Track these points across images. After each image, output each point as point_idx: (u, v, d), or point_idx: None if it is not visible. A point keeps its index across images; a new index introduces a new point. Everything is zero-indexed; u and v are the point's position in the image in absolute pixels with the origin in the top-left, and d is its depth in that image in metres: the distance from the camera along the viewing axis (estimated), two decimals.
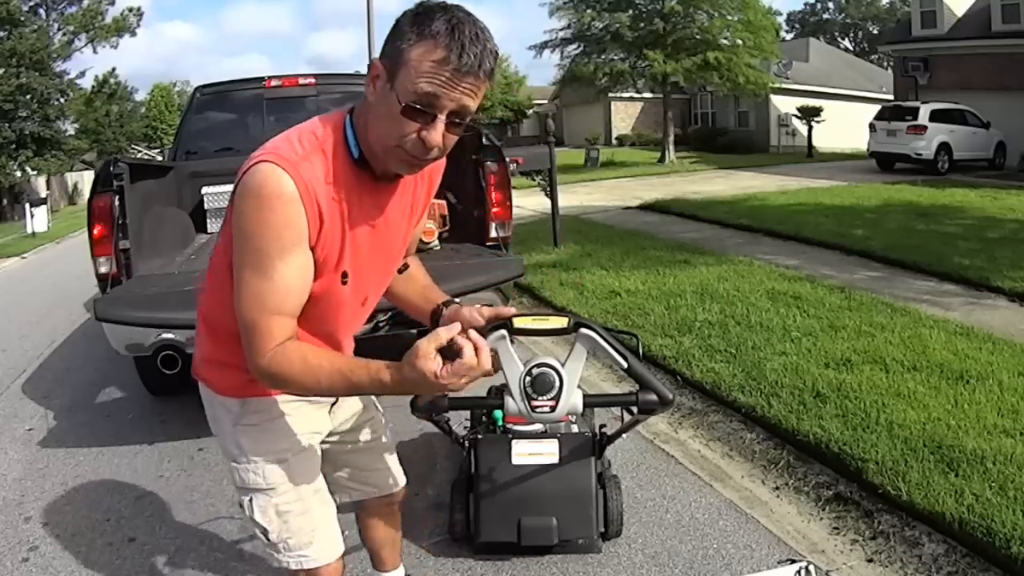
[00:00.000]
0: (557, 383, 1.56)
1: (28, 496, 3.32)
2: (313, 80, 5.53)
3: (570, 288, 6.38)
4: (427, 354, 1.17)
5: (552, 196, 8.50)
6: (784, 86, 26.96)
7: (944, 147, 16.61)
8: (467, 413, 3.04)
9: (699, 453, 3.43)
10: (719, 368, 4.19)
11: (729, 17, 22.15)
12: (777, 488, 3.08)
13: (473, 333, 1.24)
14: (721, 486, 3.09)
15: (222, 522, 2.92)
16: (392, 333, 3.38)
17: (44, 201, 18.96)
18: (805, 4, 63.36)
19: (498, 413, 2.69)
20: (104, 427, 4.09)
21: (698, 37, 22.31)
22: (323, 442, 1.66)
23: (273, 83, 5.49)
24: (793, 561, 1.39)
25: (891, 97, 22.78)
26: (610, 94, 26.71)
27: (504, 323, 1.54)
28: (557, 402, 1.57)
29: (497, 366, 1.54)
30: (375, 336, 3.38)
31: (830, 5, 62.01)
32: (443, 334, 1.19)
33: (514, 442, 2.48)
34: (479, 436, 2.56)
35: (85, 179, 31.05)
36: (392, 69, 1.22)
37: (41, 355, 5.74)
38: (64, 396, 4.69)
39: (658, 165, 22.53)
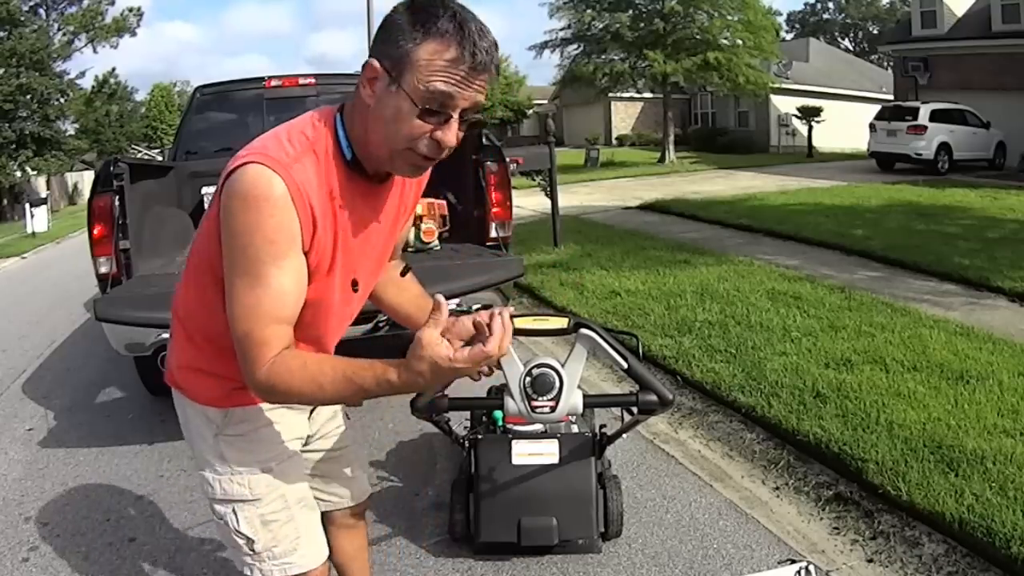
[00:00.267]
0: (557, 383, 1.56)
1: (28, 496, 3.32)
2: (313, 80, 5.53)
3: (570, 288, 6.38)
4: (433, 341, 1.13)
5: (552, 196, 8.50)
6: (784, 86, 26.97)
7: (944, 147, 16.61)
8: (467, 413, 3.04)
9: (699, 453, 3.43)
10: (719, 368, 4.19)
11: (729, 17, 22.15)
12: (777, 488, 3.08)
13: (490, 314, 1.19)
14: (721, 486, 3.09)
15: None
16: (392, 333, 3.38)
17: (44, 201, 18.93)
18: (805, 4, 63.47)
19: (498, 413, 2.69)
20: (104, 427, 4.09)
21: (698, 37, 22.31)
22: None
23: (273, 83, 5.49)
24: (793, 561, 1.38)
25: (891, 97, 22.78)
26: (610, 94, 26.72)
27: None
28: (557, 402, 1.57)
29: (497, 366, 1.54)
30: (375, 336, 3.38)
31: (830, 5, 62.03)
32: (442, 317, 1.15)
33: (514, 442, 2.48)
34: (479, 436, 2.56)
35: (85, 179, 31.06)
36: (396, 70, 1.18)
37: (41, 355, 5.74)
38: (64, 396, 4.70)
39: (658, 165, 22.53)
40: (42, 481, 3.46)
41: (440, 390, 1.56)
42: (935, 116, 16.68)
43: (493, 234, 4.01)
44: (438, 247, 4.06)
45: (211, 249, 1.30)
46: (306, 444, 1.66)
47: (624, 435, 2.41)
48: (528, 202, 10.89)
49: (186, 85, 45.79)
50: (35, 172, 28.54)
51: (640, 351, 1.95)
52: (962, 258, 6.80)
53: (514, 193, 4.18)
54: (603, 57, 23.49)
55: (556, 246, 8.29)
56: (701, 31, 22.35)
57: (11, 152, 26.57)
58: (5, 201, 27.80)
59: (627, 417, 2.20)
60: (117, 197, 3.58)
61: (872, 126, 17.93)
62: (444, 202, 4.26)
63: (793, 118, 25.83)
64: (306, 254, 1.25)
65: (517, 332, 1.53)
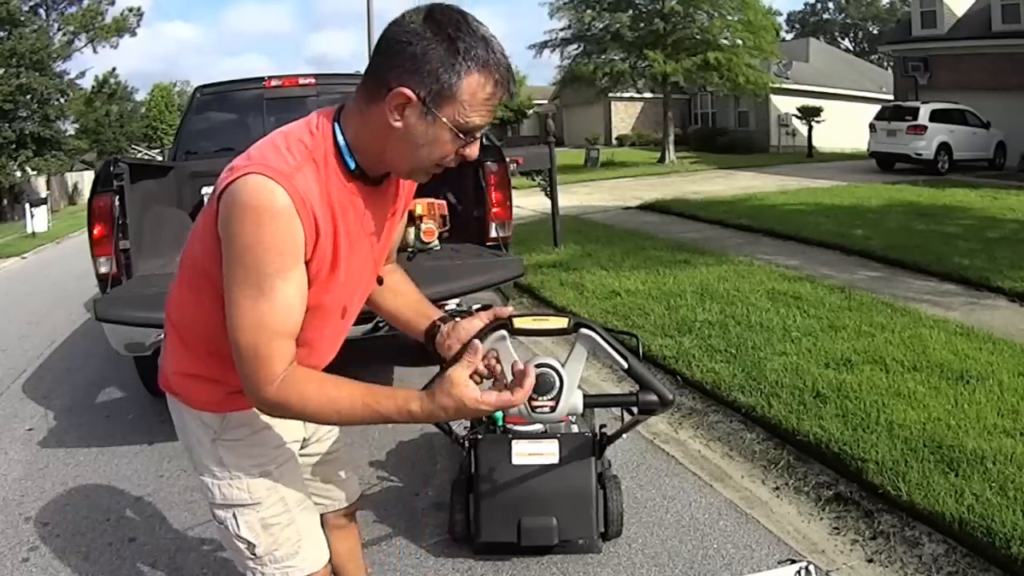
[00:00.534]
0: (557, 383, 1.56)
1: (28, 496, 3.32)
2: (313, 80, 5.53)
3: (570, 288, 6.38)
4: (463, 381, 1.21)
5: (552, 196, 8.49)
6: (784, 86, 26.98)
7: (944, 147, 16.62)
8: None
9: (699, 453, 3.43)
10: (719, 368, 4.19)
11: (729, 17, 22.17)
12: (777, 488, 3.08)
13: (520, 365, 1.32)
14: (721, 486, 3.09)
15: None
16: (391, 333, 3.38)
17: (44, 201, 18.94)
18: (805, 4, 63.47)
19: (498, 413, 2.68)
20: (104, 427, 4.09)
21: (698, 37, 22.33)
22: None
23: (273, 83, 5.49)
24: (793, 561, 1.39)
25: (891, 97, 22.79)
26: (610, 94, 26.71)
27: (504, 323, 1.53)
28: (557, 402, 1.56)
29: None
30: (375, 336, 3.38)
31: (830, 5, 62.03)
32: (473, 360, 1.24)
33: (514, 442, 2.48)
34: (479, 436, 2.55)
35: (85, 179, 31.05)
36: (435, 101, 1.18)
37: (41, 355, 5.74)
38: (64, 396, 4.69)
39: (658, 165, 22.54)
40: (42, 481, 3.46)
41: None
42: (935, 116, 16.68)
43: (493, 234, 4.01)
44: (438, 247, 4.06)
45: (207, 258, 1.29)
46: (302, 447, 1.66)
47: (624, 435, 2.42)
48: (528, 202, 10.89)
49: (186, 85, 45.85)
50: (35, 172, 28.54)
51: (640, 351, 1.95)
52: (962, 258, 6.80)
53: (514, 193, 4.18)
54: (603, 57, 23.49)
55: (556, 246, 8.29)
56: (701, 31, 22.37)
57: (11, 152, 26.57)
58: (5, 201, 27.80)
59: (627, 417, 2.20)
60: (117, 197, 3.59)
61: (872, 126, 17.93)
62: (444, 202, 4.26)
63: (793, 118, 25.84)
64: (307, 263, 1.25)
65: (517, 332, 1.53)
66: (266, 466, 1.48)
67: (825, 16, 62.25)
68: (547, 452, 2.47)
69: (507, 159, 4.07)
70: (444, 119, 1.19)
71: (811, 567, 1.36)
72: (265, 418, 1.48)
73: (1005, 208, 10.31)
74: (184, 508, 3.07)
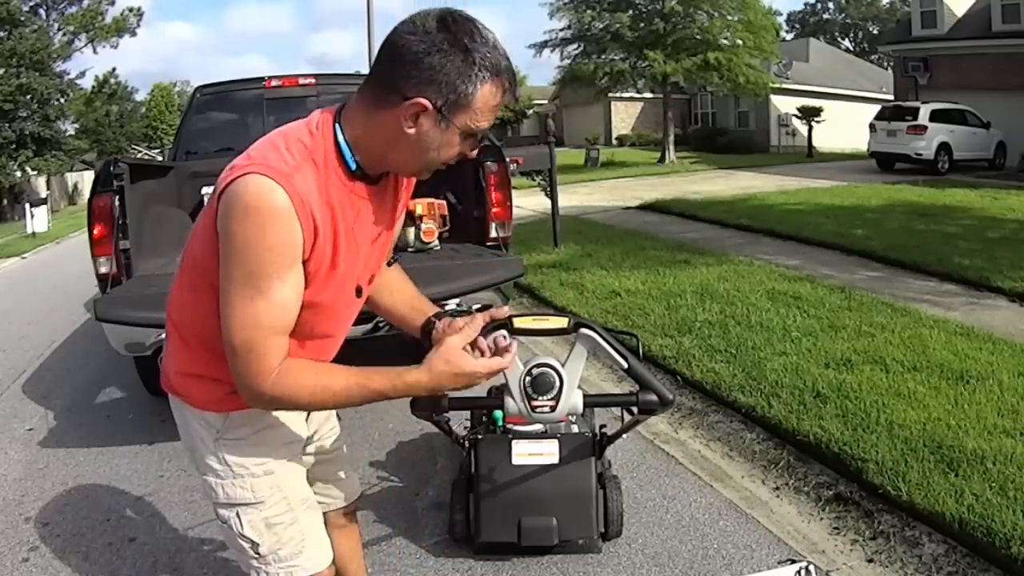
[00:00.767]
0: (557, 383, 1.56)
1: (28, 496, 3.32)
2: (313, 80, 5.53)
3: (570, 288, 6.38)
4: (458, 348, 1.29)
5: (552, 196, 8.50)
6: (784, 86, 26.98)
7: (944, 147, 16.62)
8: (467, 413, 3.03)
9: (699, 453, 3.43)
10: (719, 368, 4.19)
11: (729, 17, 22.17)
12: (777, 488, 3.08)
13: (504, 341, 1.41)
14: (721, 486, 3.09)
15: None
16: (392, 333, 3.38)
17: (44, 201, 18.93)
18: (805, 4, 63.46)
19: (498, 413, 2.68)
20: (104, 427, 4.09)
21: (698, 37, 22.33)
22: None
23: (273, 83, 5.49)
24: (793, 561, 1.39)
25: (891, 97, 22.79)
26: (610, 94, 26.72)
27: (504, 323, 1.53)
28: (557, 402, 1.57)
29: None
30: (375, 336, 3.38)
31: (830, 5, 62.03)
32: (471, 332, 1.34)
33: (514, 442, 2.48)
34: (479, 436, 2.55)
35: (85, 179, 31.05)
36: (451, 110, 1.21)
37: (41, 355, 5.74)
38: (64, 396, 4.69)
39: (658, 165, 22.54)
40: (42, 481, 3.46)
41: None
42: (935, 116, 16.69)
43: (493, 234, 4.01)
44: (438, 247, 4.06)
45: (207, 258, 1.30)
46: (304, 446, 1.66)
47: (624, 435, 2.41)
48: (528, 202, 10.89)
49: (186, 85, 45.84)
50: (35, 172, 28.55)
51: (640, 351, 1.95)
52: (962, 258, 6.80)
53: (514, 193, 4.18)
54: (603, 57, 23.50)
55: (556, 246, 8.29)
56: (701, 31, 22.37)
57: (11, 152, 26.58)
58: (5, 201, 27.80)
59: (627, 417, 2.20)
60: (117, 197, 3.59)
61: (872, 126, 17.93)
62: (444, 202, 4.26)
63: (793, 118, 25.84)
64: (306, 262, 1.26)
65: (517, 332, 1.53)
66: (268, 465, 1.48)
67: (825, 16, 62.26)
68: (547, 452, 2.46)
69: (507, 159, 4.07)
70: (457, 125, 1.23)
71: (811, 567, 1.36)
72: (268, 417, 1.49)
73: (1005, 208, 10.31)
74: (184, 508, 3.07)
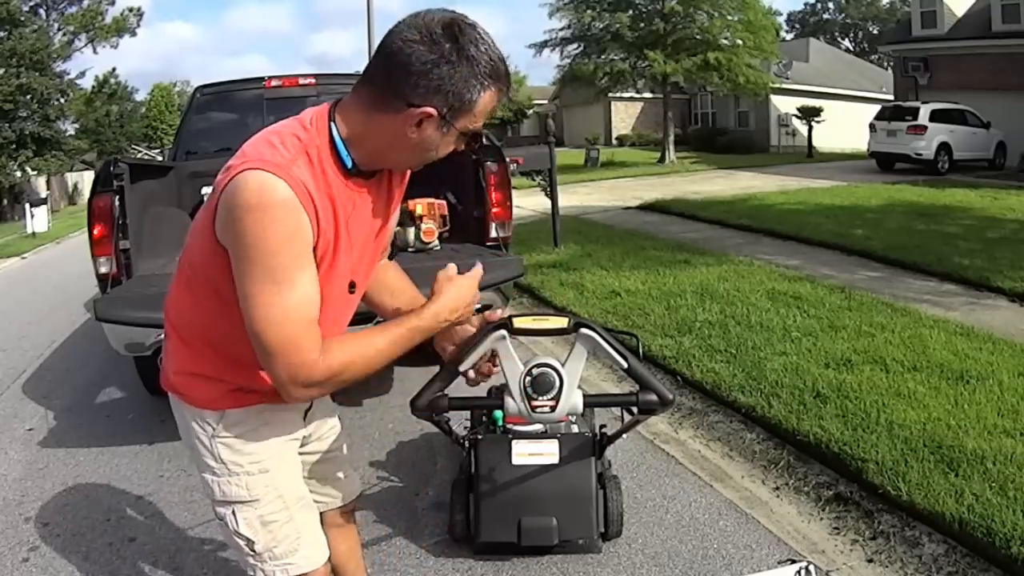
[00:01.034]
0: (557, 383, 1.56)
1: (28, 496, 3.32)
2: (313, 80, 5.53)
3: (570, 288, 6.38)
4: (449, 274, 1.47)
5: (552, 196, 8.50)
6: (784, 86, 26.97)
7: (944, 147, 16.62)
8: (467, 413, 3.04)
9: (699, 453, 3.43)
10: (719, 368, 4.19)
11: (729, 17, 22.16)
12: (777, 488, 3.08)
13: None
14: (721, 486, 3.09)
15: None
16: None
17: (44, 201, 18.92)
18: (805, 4, 63.45)
19: (498, 413, 2.68)
20: (104, 427, 4.09)
21: (698, 37, 22.32)
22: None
23: (273, 83, 5.49)
24: (793, 561, 1.39)
25: (891, 97, 22.79)
26: (610, 94, 26.70)
27: (504, 323, 1.53)
28: (557, 402, 1.56)
29: (497, 366, 1.54)
30: None
31: (830, 5, 62.01)
32: (452, 266, 1.50)
33: (514, 442, 2.47)
34: (479, 436, 2.55)
35: (85, 179, 31.04)
36: (454, 116, 1.25)
37: (41, 355, 5.74)
38: (64, 396, 4.69)
39: (658, 165, 22.53)
40: (42, 481, 3.46)
41: (440, 389, 1.56)
42: (935, 116, 16.68)
43: (493, 234, 4.01)
44: (438, 247, 4.06)
45: (204, 258, 1.30)
46: (302, 445, 1.66)
47: (624, 435, 2.41)
48: (528, 202, 10.89)
49: (186, 85, 45.82)
50: (35, 172, 28.54)
51: (640, 351, 1.95)
52: (962, 258, 6.80)
53: (514, 193, 4.18)
54: (603, 57, 23.48)
55: (556, 246, 8.29)
56: (701, 31, 22.36)
57: (11, 152, 26.58)
58: (5, 201, 27.80)
59: (627, 417, 2.20)
60: (117, 197, 3.59)
61: (872, 126, 17.93)
62: (444, 202, 4.26)
63: (793, 118, 25.84)
64: (313, 249, 1.27)
65: (517, 332, 1.54)
66: (264, 463, 1.49)
67: (825, 16, 62.24)
68: (547, 452, 2.46)
69: (507, 159, 4.07)
70: (457, 128, 1.27)
71: (811, 567, 1.36)
72: (264, 416, 1.49)
73: (1005, 208, 10.31)
74: (184, 508, 3.07)
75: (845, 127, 25.20)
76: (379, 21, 16.75)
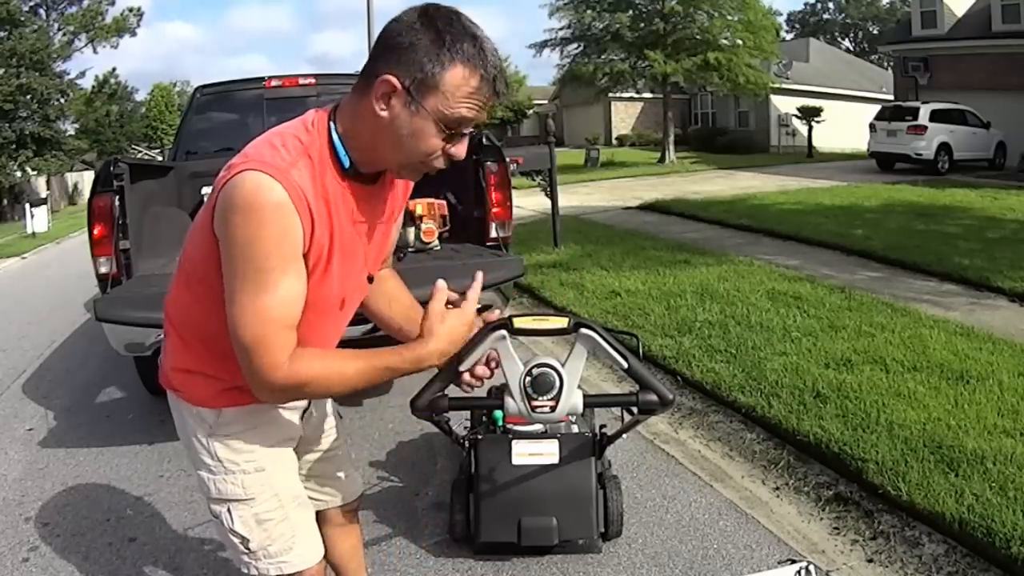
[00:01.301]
0: (557, 383, 1.56)
1: (28, 496, 3.32)
2: (313, 80, 5.53)
3: (570, 288, 6.38)
4: (441, 307, 1.35)
5: (552, 196, 8.50)
6: (784, 86, 26.98)
7: (944, 147, 16.62)
8: (467, 413, 3.04)
9: (699, 453, 3.43)
10: (719, 368, 4.19)
11: (729, 17, 22.17)
12: (777, 488, 3.08)
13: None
14: (721, 486, 3.09)
15: None
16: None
17: (44, 201, 18.94)
18: (805, 4, 63.44)
19: (498, 413, 2.69)
20: (104, 427, 4.09)
21: (698, 37, 22.33)
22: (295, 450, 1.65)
23: (273, 83, 5.49)
24: (793, 561, 1.39)
25: (891, 97, 22.79)
26: (610, 94, 26.71)
27: (504, 323, 1.53)
28: (557, 402, 1.56)
29: (497, 366, 1.54)
30: (375, 336, 3.37)
31: (830, 5, 62.02)
32: (442, 295, 1.36)
33: (514, 442, 2.48)
34: (479, 436, 2.56)
35: (85, 179, 31.04)
36: (419, 92, 1.20)
37: (41, 355, 5.74)
38: (64, 396, 4.69)
39: (658, 165, 22.54)
40: (42, 481, 3.46)
41: (440, 389, 1.56)
42: (935, 116, 16.68)
43: (493, 234, 4.01)
44: (438, 247, 4.06)
45: (203, 256, 1.31)
46: (301, 445, 1.67)
47: (624, 435, 2.41)
48: (528, 202, 10.89)
49: (186, 85, 45.81)
50: (35, 172, 28.54)
51: (640, 351, 1.95)
52: (962, 258, 6.80)
53: (514, 193, 4.18)
54: (603, 57, 23.49)
55: (556, 246, 8.29)
56: (701, 31, 22.37)
57: (11, 152, 26.57)
58: (5, 201, 27.80)
59: (627, 417, 2.20)
60: (117, 197, 3.59)
61: (872, 126, 17.93)
62: (444, 202, 4.26)
63: (793, 118, 25.84)
64: (305, 255, 1.26)
65: (517, 332, 1.53)
66: (260, 462, 1.49)
67: (825, 16, 62.24)
68: (547, 452, 2.46)
69: (507, 159, 4.07)
70: (428, 109, 1.21)
71: (811, 567, 1.36)
72: (261, 415, 1.50)
73: (1005, 208, 10.31)
74: (184, 508, 3.07)
75: (845, 127, 25.20)
76: (379, 21, 16.74)
